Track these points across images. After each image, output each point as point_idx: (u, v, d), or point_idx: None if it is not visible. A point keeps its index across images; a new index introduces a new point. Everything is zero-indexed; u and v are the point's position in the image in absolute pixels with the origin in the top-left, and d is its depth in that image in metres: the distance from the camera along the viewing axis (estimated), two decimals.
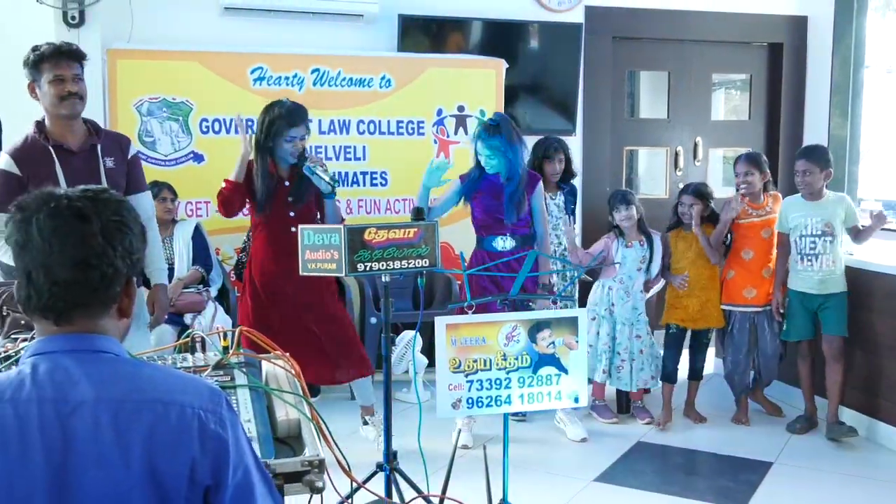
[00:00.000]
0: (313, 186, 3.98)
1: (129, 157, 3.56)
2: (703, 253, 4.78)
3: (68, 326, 1.45)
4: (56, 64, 3.28)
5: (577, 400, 3.12)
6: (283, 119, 3.93)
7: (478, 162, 4.26)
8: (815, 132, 6.56)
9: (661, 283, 5.00)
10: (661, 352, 4.90)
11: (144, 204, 3.59)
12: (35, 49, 3.32)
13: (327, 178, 3.86)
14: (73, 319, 1.45)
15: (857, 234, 4.58)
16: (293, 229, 3.91)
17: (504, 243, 4.26)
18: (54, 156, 3.30)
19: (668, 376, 4.91)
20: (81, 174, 3.27)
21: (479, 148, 4.19)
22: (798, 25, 6.69)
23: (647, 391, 5.01)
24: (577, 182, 5.26)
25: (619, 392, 5.01)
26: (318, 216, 4.11)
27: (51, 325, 1.45)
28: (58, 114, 3.32)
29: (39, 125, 3.37)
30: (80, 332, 1.45)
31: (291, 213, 4.01)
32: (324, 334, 4.10)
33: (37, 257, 1.41)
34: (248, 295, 4.17)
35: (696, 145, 6.75)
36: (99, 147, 3.42)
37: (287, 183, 4.04)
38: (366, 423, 4.36)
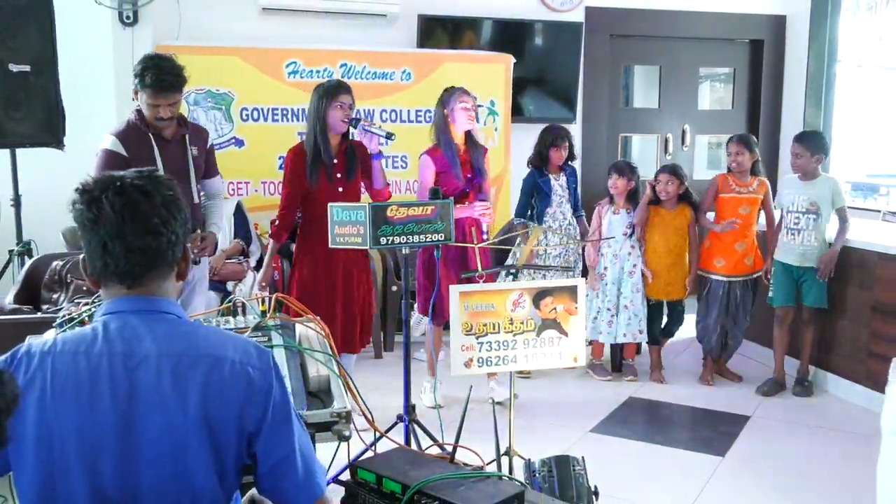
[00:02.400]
0: (359, 160, 3.89)
1: (208, 146, 3.68)
2: (675, 232, 4.72)
3: (138, 289, 1.46)
4: (153, 96, 3.27)
5: (575, 360, 3.11)
6: (334, 88, 3.82)
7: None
8: (791, 121, 6.50)
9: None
10: (644, 310, 4.83)
11: (218, 184, 3.82)
12: (144, 71, 3.24)
13: (383, 133, 3.76)
14: (144, 282, 1.46)
15: (841, 216, 4.48)
16: None
17: None
18: (153, 142, 3.38)
19: (654, 340, 4.90)
20: (174, 159, 3.39)
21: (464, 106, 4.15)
22: (777, 24, 6.60)
23: (637, 351, 4.99)
24: (576, 165, 5.22)
25: (613, 353, 4.99)
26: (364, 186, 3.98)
27: (123, 288, 1.46)
28: (152, 124, 3.38)
29: (139, 113, 3.40)
30: (146, 295, 1.47)
31: (340, 189, 3.82)
32: (350, 311, 3.91)
33: (111, 229, 1.41)
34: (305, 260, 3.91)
35: (684, 132, 6.69)
36: (187, 137, 3.50)
37: (336, 161, 3.85)
38: None
